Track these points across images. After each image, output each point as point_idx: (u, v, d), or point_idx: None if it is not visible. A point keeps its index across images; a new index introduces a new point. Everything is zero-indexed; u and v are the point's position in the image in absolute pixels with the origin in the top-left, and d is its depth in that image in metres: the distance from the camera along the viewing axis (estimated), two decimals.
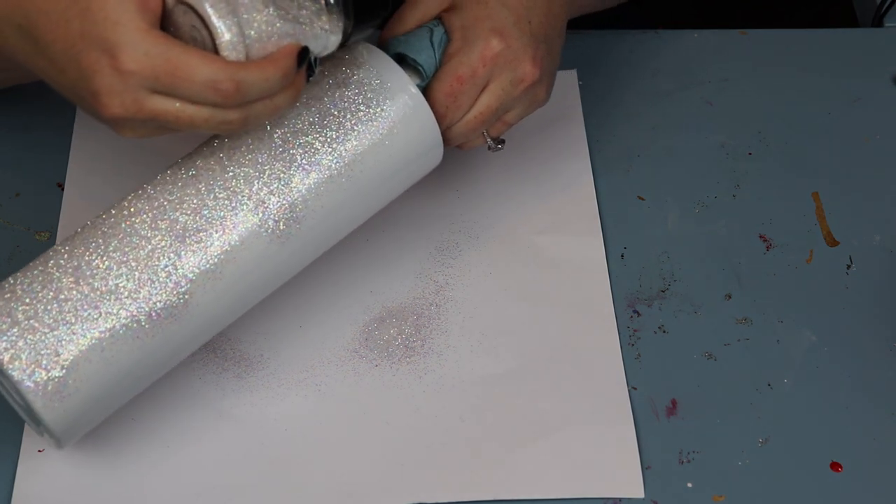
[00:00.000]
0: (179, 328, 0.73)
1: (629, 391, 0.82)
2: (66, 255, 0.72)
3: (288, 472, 0.78)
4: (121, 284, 0.71)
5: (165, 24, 0.70)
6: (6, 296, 0.71)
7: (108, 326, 0.71)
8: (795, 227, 0.90)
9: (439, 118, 0.79)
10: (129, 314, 0.71)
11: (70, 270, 0.72)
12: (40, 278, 0.71)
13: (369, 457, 0.79)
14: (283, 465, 0.79)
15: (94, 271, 0.71)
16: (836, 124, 0.97)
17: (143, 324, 0.72)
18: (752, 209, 0.91)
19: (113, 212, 0.74)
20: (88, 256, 0.72)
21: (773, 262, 0.89)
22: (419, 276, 0.87)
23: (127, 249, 0.72)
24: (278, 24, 0.70)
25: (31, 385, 0.70)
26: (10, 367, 0.70)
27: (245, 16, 0.70)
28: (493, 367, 0.83)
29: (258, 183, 0.74)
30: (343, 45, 0.73)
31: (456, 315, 0.85)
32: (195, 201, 0.74)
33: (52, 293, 0.71)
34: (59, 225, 0.88)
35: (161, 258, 0.72)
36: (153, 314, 0.72)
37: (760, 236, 0.90)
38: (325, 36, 0.72)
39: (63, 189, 0.91)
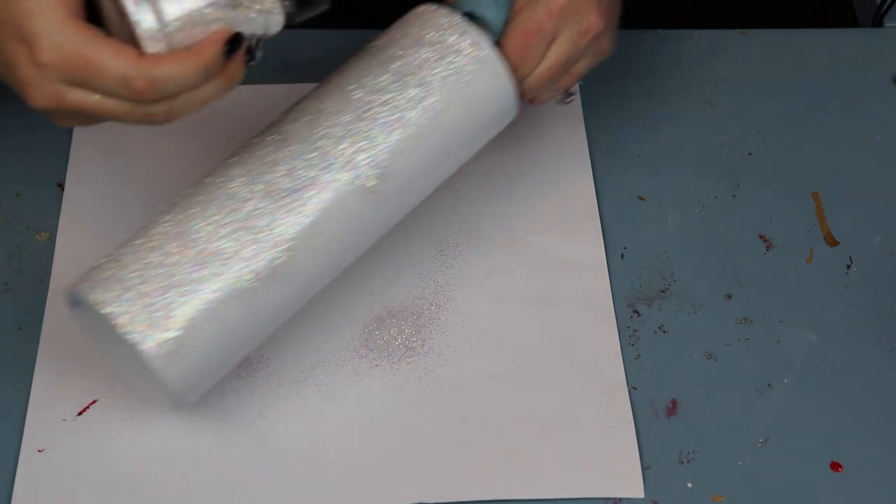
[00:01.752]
0: (283, 286, 0.75)
1: (629, 391, 0.82)
2: (168, 223, 0.74)
3: (288, 472, 0.78)
4: (223, 246, 0.73)
5: (100, 9, 0.69)
6: (115, 264, 0.73)
7: (216, 287, 0.72)
8: (795, 227, 0.90)
9: (511, 73, 0.80)
10: (234, 274, 0.73)
11: (174, 236, 0.73)
12: (147, 245, 0.73)
13: (369, 457, 0.79)
14: (283, 465, 0.79)
15: (197, 235, 0.73)
16: (836, 124, 0.97)
17: (248, 283, 0.73)
18: (752, 209, 0.91)
19: (208, 179, 0.76)
20: (190, 222, 0.74)
21: (773, 262, 0.89)
22: (419, 276, 0.87)
23: (227, 212, 0.74)
24: (206, 10, 0.68)
25: (150, 347, 0.71)
26: (127, 329, 0.71)
27: (165, 3, 0.67)
28: (493, 367, 0.83)
29: (345, 142, 0.76)
30: (291, 26, 0.71)
31: (456, 315, 0.85)
32: (287, 163, 0.75)
33: (158, 258, 0.72)
34: (59, 225, 0.88)
35: (259, 219, 0.74)
36: (257, 273, 0.73)
37: (760, 236, 0.90)
38: (263, 18, 0.70)
39: (63, 189, 0.91)
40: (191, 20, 0.68)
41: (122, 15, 0.68)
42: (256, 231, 0.74)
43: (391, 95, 0.77)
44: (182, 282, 0.72)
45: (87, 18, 0.69)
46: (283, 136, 0.76)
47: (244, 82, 0.97)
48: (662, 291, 0.87)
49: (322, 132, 0.76)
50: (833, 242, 0.90)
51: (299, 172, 0.75)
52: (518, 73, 0.81)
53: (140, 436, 0.79)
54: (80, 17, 0.68)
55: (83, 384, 0.81)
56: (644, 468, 0.79)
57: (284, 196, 0.74)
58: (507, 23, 0.80)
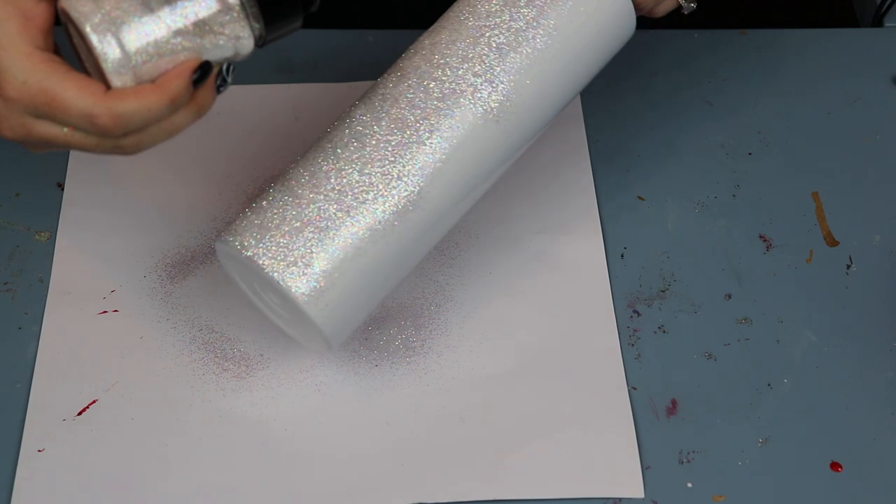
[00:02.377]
0: (418, 219, 0.76)
1: (629, 391, 0.82)
2: (300, 170, 0.76)
3: (288, 472, 0.78)
4: (355, 181, 0.74)
5: (71, 38, 0.69)
6: (256, 212, 0.75)
7: (353, 223, 0.74)
8: (795, 227, 0.90)
9: None
10: (369, 210, 0.74)
11: (307, 179, 0.75)
12: (283, 190, 0.75)
13: (369, 457, 0.79)
14: (283, 465, 0.79)
15: (328, 176, 0.75)
16: (836, 124, 0.97)
17: (382, 216, 0.75)
18: (752, 209, 0.91)
19: (335, 124, 0.77)
20: (320, 164, 0.75)
21: (773, 262, 0.89)
22: (419, 276, 0.87)
23: (353, 149, 0.75)
24: (172, 41, 0.68)
25: (296, 285, 0.73)
26: (274, 271, 0.73)
27: (130, 35, 0.67)
28: (493, 366, 0.83)
29: (463, 69, 0.76)
30: (262, 46, 0.71)
31: (456, 315, 0.85)
32: (409, 96, 0.76)
33: (294, 201, 0.74)
34: (59, 225, 0.89)
35: (387, 152, 0.75)
36: (390, 205, 0.75)
37: (760, 236, 0.90)
38: (232, 43, 0.70)
39: (63, 189, 0.91)
40: (157, 51, 0.68)
41: (89, 48, 0.67)
42: (385, 165, 0.75)
43: (502, 18, 0.77)
44: (320, 222, 0.74)
45: (55, 49, 0.69)
46: (402, 74, 0.77)
47: (244, 82, 0.98)
48: (662, 291, 0.87)
49: (439, 62, 0.77)
50: (833, 242, 0.90)
51: (421, 104, 0.76)
52: None
53: (140, 436, 0.79)
54: (47, 48, 0.68)
55: (83, 384, 0.81)
56: (644, 468, 0.79)
57: (409, 127, 0.75)
58: None
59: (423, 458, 0.79)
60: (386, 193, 0.75)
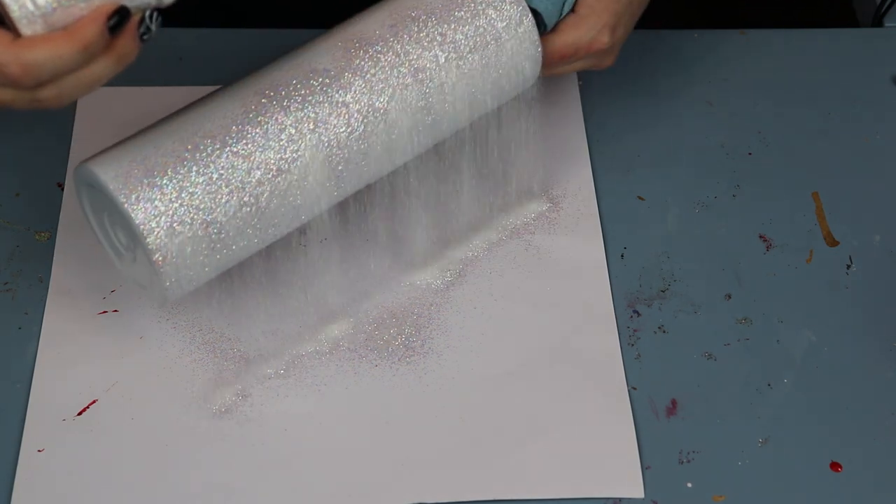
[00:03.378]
0: (281, 180, 0.75)
1: (629, 391, 0.82)
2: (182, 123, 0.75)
3: (288, 472, 0.78)
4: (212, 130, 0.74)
5: None
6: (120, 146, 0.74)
7: (214, 166, 0.73)
8: (795, 227, 0.90)
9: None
10: (226, 159, 0.73)
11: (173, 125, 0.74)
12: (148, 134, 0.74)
13: (369, 457, 0.79)
14: (283, 465, 0.79)
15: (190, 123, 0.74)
16: (836, 124, 0.97)
17: (244, 164, 0.74)
18: (752, 209, 0.91)
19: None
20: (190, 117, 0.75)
21: (773, 262, 0.89)
22: (419, 276, 0.87)
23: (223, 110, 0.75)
24: None
25: (138, 214, 0.72)
26: (120, 195, 0.71)
27: None
28: (493, 367, 0.83)
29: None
30: None
31: (456, 315, 0.85)
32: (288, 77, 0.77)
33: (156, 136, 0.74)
34: (59, 225, 0.89)
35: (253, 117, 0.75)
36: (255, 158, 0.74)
37: (760, 236, 0.90)
38: None
39: (63, 189, 0.91)
40: None
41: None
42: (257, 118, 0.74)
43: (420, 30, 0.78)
44: (178, 155, 0.73)
45: None
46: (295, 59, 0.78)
47: None
48: (662, 291, 0.87)
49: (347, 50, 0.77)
50: (833, 242, 0.90)
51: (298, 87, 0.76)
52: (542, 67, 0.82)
53: (140, 436, 0.79)
54: None
55: (83, 384, 0.81)
56: (644, 468, 0.79)
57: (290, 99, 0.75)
58: (560, 19, 0.82)
59: (423, 458, 0.79)
60: (259, 144, 0.74)
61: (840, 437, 0.81)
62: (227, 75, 0.98)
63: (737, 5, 1.16)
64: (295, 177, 0.75)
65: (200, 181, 0.73)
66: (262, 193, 0.74)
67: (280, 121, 0.75)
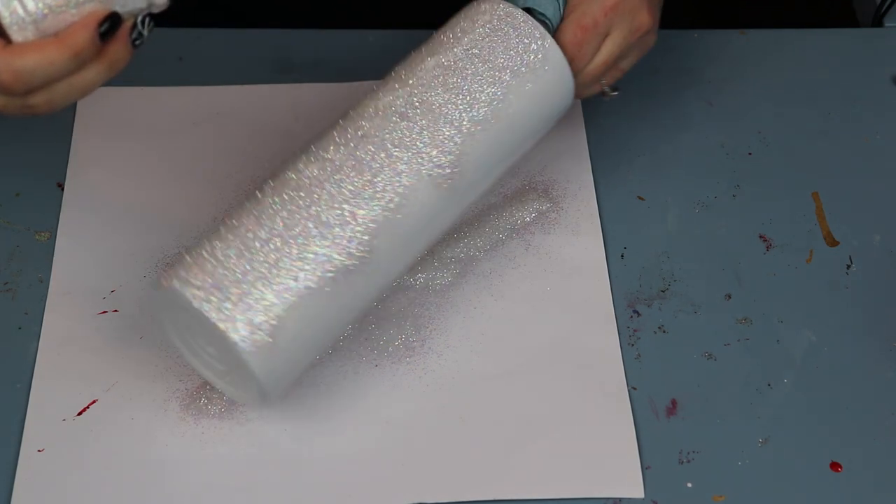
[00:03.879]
0: (363, 274, 0.75)
1: (629, 391, 0.82)
2: (249, 213, 0.74)
3: (288, 472, 0.78)
4: (305, 230, 0.74)
5: None
6: (197, 258, 0.73)
7: (299, 273, 0.73)
8: (795, 227, 0.90)
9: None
10: (317, 261, 0.73)
11: (254, 224, 0.73)
12: (230, 235, 0.73)
13: (369, 457, 0.79)
14: (283, 465, 0.78)
15: (275, 222, 0.73)
16: (836, 124, 0.97)
17: (329, 268, 0.74)
18: (752, 209, 0.91)
19: (284, 170, 0.76)
20: (270, 216, 0.74)
21: (773, 262, 0.89)
22: (419, 275, 0.87)
23: (302, 200, 0.74)
24: None
25: (241, 336, 0.71)
26: (217, 319, 0.71)
27: None
28: (493, 367, 0.83)
29: (414, 135, 0.77)
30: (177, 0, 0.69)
31: (456, 315, 0.85)
32: (363, 153, 0.76)
33: (241, 247, 0.73)
34: (59, 225, 0.88)
35: (337, 204, 0.74)
36: (338, 258, 0.74)
37: (760, 236, 0.90)
38: None
39: (63, 189, 0.91)
40: (60, 3, 0.65)
41: None
42: (332, 225, 0.74)
43: (452, 95, 0.78)
44: (266, 272, 0.72)
45: None
46: (356, 129, 0.77)
47: (244, 82, 0.98)
48: (662, 291, 0.87)
49: (388, 136, 0.77)
50: (833, 242, 0.90)
51: (374, 163, 0.76)
52: (573, 66, 0.82)
53: (140, 436, 0.79)
54: None
55: (83, 384, 0.81)
56: (644, 468, 0.79)
57: (358, 193, 0.75)
58: (562, 19, 0.83)
59: (423, 458, 0.79)
60: (334, 245, 0.74)
61: (840, 437, 0.81)
62: (227, 75, 0.98)
63: (737, 5, 1.16)
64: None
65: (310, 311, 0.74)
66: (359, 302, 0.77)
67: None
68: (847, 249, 0.89)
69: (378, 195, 0.75)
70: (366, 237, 0.75)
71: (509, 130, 0.80)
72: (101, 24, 0.67)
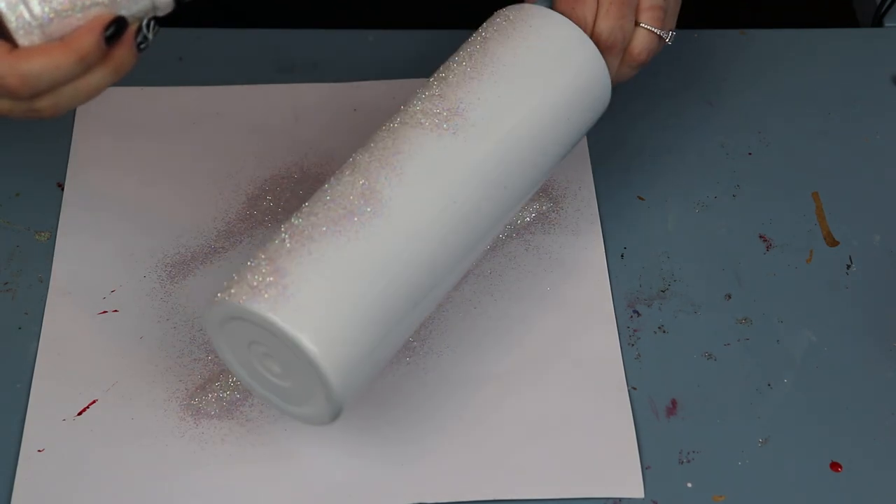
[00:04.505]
0: (431, 283, 0.74)
1: (629, 391, 0.82)
2: (316, 221, 0.72)
3: (288, 472, 0.78)
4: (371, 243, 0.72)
5: None
6: (256, 269, 0.70)
7: (367, 279, 0.71)
8: (795, 227, 0.90)
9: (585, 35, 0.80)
10: (387, 270, 0.71)
11: (319, 236, 0.71)
12: (298, 243, 0.71)
13: (369, 457, 0.79)
14: (283, 465, 0.78)
15: (343, 234, 0.71)
16: (836, 124, 0.97)
17: (396, 276, 0.72)
18: (752, 209, 0.91)
19: (343, 177, 0.74)
20: (337, 224, 0.72)
21: (773, 262, 0.89)
22: None
23: (370, 210, 0.72)
24: None
25: (320, 351, 0.68)
26: (302, 336, 0.68)
27: None
28: (493, 367, 0.83)
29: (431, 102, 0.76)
30: (182, 4, 0.69)
31: (456, 315, 0.85)
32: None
33: (310, 256, 0.70)
34: (59, 225, 0.89)
35: (406, 212, 0.73)
36: (405, 265, 0.72)
37: (760, 236, 0.90)
38: None
39: (63, 189, 0.91)
40: (66, 7, 0.65)
41: None
42: (399, 223, 0.72)
43: (483, 79, 0.78)
44: (332, 282, 0.70)
45: None
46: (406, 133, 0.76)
47: (244, 82, 0.98)
48: (662, 291, 0.87)
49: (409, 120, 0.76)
50: (833, 242, 0.90)
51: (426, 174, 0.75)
52: (584, 25, 0.80)
53: (140, 436, 0.79)
54: None
55: (83, 384, 0.81)
56: (644, 468, 0.79)
57: (424, 192, 0.74)
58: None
59: (423, 458, 0.79)
60: (400, 252, 0.72)
61: (840, 437, 0.81)
62: (227, 75, 0.98)
63: (737, 5, 1.16)
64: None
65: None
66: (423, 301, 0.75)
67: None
68: (847, 249, 0.89)
69: (374, 151, 0.74)
70: (430, 246, 0.73)
71: (518, 85, 0.79)
72: (106, 28, 0.67)
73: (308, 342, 0.68)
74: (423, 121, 0.76)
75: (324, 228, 0.71)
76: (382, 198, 0.73)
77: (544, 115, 0.79)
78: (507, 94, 0.78)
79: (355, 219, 0.72)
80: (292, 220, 0.73)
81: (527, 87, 0.79)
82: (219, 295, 0.70)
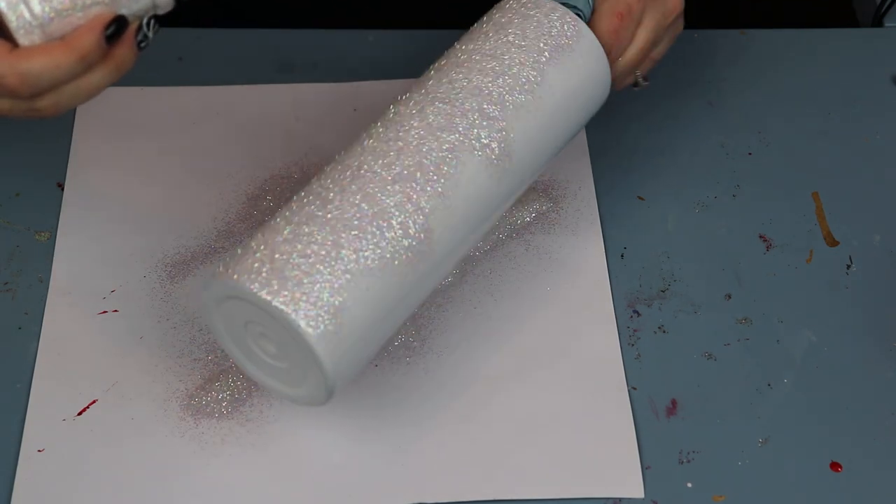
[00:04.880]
0: (422, 260, 0.73)
1: (629, 391, 0.82)
2: (306, 202, 0.72)
3: (288, 472, 0.78)
4: (364, 227, 0.72)
5: None
6: (252, 249, 0.71)
7: (362, 263, 0.71)
8: (795, 227, 0.90)
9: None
10: (380, 253, 0.71)
11: (312, 212, 0.72)
12: (288, 224, 0.71)
13: (369, 456, 0.79)
14: (283, 465, 0.78)
15: (334, 214, 0.71)
16: (836, 124, 0.97)
17: (392, 255, 0.72)
18: (752, 209, 0.91)
19: (336, 163, 0.75)
20: (326, 203, 0.72)
21: (773, 262, 0.89)
22: None
23: (356, 188, 0.72)
24: None
25: (313, 332, 0.69)
26: (295, 316, 0.68)
27: None
28: (493, 367, 0.83)
29: (463, 122, 0.76)
30: (181, 2, 0.69)
31: (456, 315, 0.85)
32: (417, 137, 0.75)
33: (302, 243, 0.70)
34: (59, 225, 0.89)
35: (394, 200, 0.73)
36: (402, 251, 0.72)
37: (760, 236, 0.90)
38: None
39: (63, 189, 0.91)
40: (66, 7, 0.65)
41: None
42: (390, 211, 0.72)
43: (501, 80, 0.78)
44: (331, 267, 0.70)
45: None
46: (411, 111, 0.76)
47: (244, 82, 0.98)
48: (662, 291, 0.87)
49: (448, 102, 0.76)
50: (833, 242, 0.90)
51: (429, 150, 0.74)
52: (610, 56, 0.82)
53: (140, 436, 0.79)
54: None
55: (83, 384, 0.81)
56: (644, 468, 0.79)
57: (414, 177, 0.73)
58: (594, 10, 0.82)
59: (423, 458, 0.79)
60: (396, 237, 0.72)
61: (840, 437, 0.81)
62: (227, 75, 0.98)
63: (737, 5, 1.16)
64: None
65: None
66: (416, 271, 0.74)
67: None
68: (847, 249, 0.89)
69: (428, 176, 0.74)
70: (420, 218, 0.73)
71: (550, 114, 0.79)
72: (107, 27, 0.67)
73: (304, 324, 0.69)
74: (478, 150, 0.76)
75: (328, 215, 0.71)
76: (433, 236, 0.74)
77: (552, 120, 0.80)
78: (548, 129, 0.79)
79: (406, 257, 0.73)
80: (294, 201, 0.73)
81: (558, 112, 0.80)
82: (218, 271, 0.71)
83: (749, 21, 1.05)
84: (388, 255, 0.72)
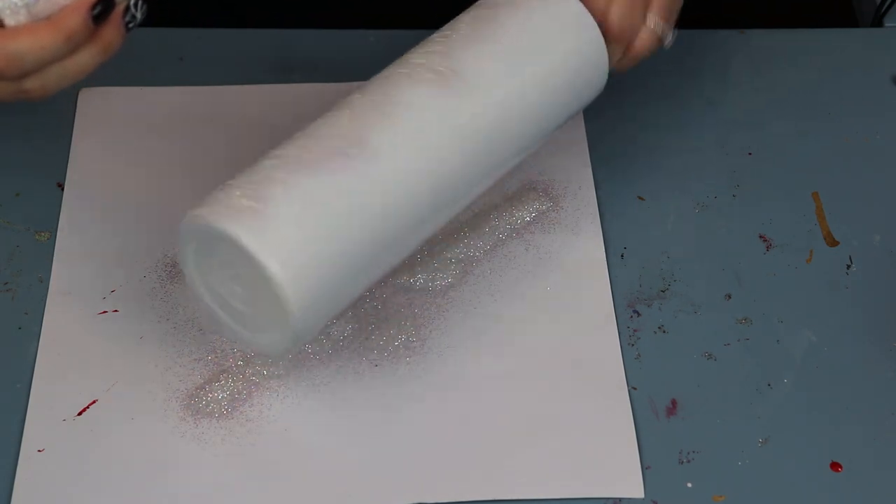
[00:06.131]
0: (369, 172, 0.74)
1: (629, 391, 0.82)
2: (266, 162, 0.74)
3: (288, 472, 0.78)
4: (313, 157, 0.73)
5: None
6: (228, 188, 0.72)
7: (337, 203, 0.72)
8: (795, 227, 0.90)
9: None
10: (355, 194, 0.73)
11: (288, 160, 0.73)
12: (259, 168, 0.73)
13: (369, 457, 0.79)
14: (283, 465, 0.78)
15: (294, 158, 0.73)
16: (836, 124, 0.97)
17: (367, 200, 0.73)
18: (751, 209, 0.91)
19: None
20: (287, 147, 0.74)
21: (773, 262, 0.89)
22: (420, 275, 0.87)
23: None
24: None
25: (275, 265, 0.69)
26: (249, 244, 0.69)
27: None
28: (493, 367, 0.83)
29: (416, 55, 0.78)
30: None
31: (456, 315, 0.85)
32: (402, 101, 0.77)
33: (279, 179, 0.72)
34: (59, 225, 0.89)
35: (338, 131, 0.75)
36: (337, 157, 0.73)
37: (760, 236, 0.90)
38: None
39: (63, 189, 0.91)
40: None
41: None
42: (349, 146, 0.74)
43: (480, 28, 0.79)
44: (310, 214, 0.71)
45: None
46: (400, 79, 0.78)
47: (244, 82, 0.98)
48: (662, 291, 0.87)
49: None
50: (833, 242, 0.90)
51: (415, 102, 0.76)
52: (596, 11, 0.81)
53: (140, 436, 0.79)
54: None
55: (83, 384, 0.81)
56: (644, 468, 0.79)
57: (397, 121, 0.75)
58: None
59: (423, 458, 0.79)
60: (378, 195, 0.74)
61: (840, 437, 0.81)
62: (227, 75, 0.98)
63: (737, 5, 1.16)
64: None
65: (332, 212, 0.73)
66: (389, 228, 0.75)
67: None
68: (847, 249, 0.89)
69: (370, 94, 0.76)
70: (357, 129, 0.74)
71: (518, 56, 0.80)
72: (93, 7, 0.67)
73: (275, 264, 0.69)
74: (423, 74, 0.77)
75: (309, 161, 0.73)
76: (371, 142, 0.74)
77: (539, 89, 0.80)
78: (507, 62, 0.79)
79: (340, 158, 0.73)
80: (278, 149, 0.74)
81: (527, 59, 0.80)
82: (193, 210, 0.72)
83: (749, 21, 1.05)
84: (324, 157, 0.73)
